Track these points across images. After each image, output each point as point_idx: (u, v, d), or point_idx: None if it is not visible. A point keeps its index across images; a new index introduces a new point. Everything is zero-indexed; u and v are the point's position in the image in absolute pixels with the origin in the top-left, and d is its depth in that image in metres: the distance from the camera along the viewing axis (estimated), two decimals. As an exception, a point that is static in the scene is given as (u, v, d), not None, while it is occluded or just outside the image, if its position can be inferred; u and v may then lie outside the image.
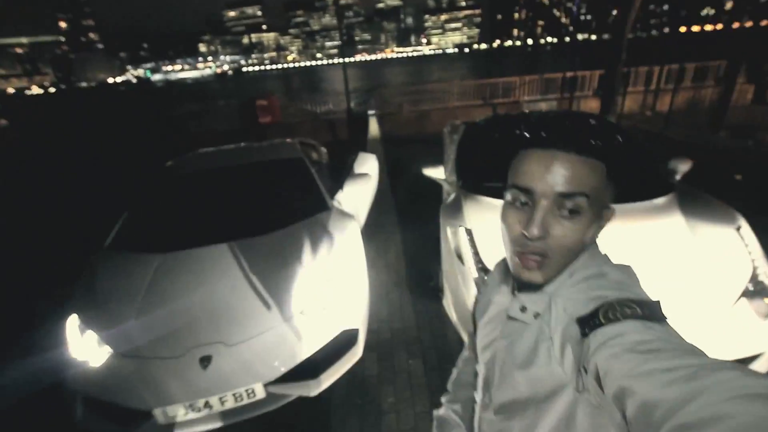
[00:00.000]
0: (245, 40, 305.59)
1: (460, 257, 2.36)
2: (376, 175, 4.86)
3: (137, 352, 1.93)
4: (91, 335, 2.01)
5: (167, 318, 2.05)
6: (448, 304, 2.59)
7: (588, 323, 0.52)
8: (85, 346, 2.00)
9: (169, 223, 2.76)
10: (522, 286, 0.66)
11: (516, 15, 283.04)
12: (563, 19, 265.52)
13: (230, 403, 1.90)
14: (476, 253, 2.28)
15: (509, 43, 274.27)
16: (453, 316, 2.49)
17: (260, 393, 1.95)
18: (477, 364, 0.80)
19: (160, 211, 2.87)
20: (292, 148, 3.51)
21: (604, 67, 6.27)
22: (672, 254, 2.08)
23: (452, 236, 2.48)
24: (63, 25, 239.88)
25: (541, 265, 0.60)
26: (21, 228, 5.41)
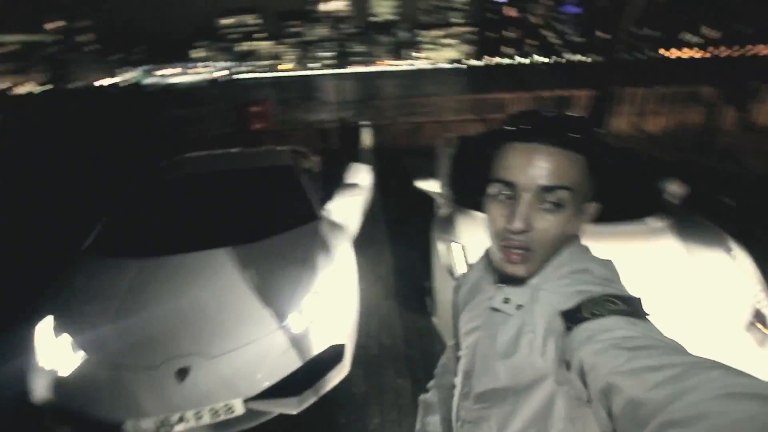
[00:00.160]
0: (240, 48, 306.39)
1: (451, 274, 2.30)
2: (368, 186, 4.82)
3: (112, 360, 1.82)
4: (66, 338, 1.90)
5: (146, 325, 1.95)
6: (438, 320, 2.52)
7: (572, 317, 0.53)
8: (58, 350, 1.88)
9: (153, 228, 2.66)
10: (506, 278, 0.66)
11: (506, 34, 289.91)
12: (553, 40, 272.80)
13: (206, 419, 1.79)
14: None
15: (499, 60, 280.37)
16: (443, 333, 2.42)
17: (239, 409, 1.84)
18: (459, 350, 0.80)
19: (142, 215, 2.77)
20: (282, 156, 3.45)
21: (595, 87, 6.38)
22: (670, 278, 2.05)
23: (445, 252, 2.42)
24: (57, 24, 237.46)
25: (525, 259, 0.61)
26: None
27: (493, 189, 0.63)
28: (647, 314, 0.52)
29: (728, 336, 1.85)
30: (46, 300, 2.12)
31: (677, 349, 0.44)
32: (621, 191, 2.73)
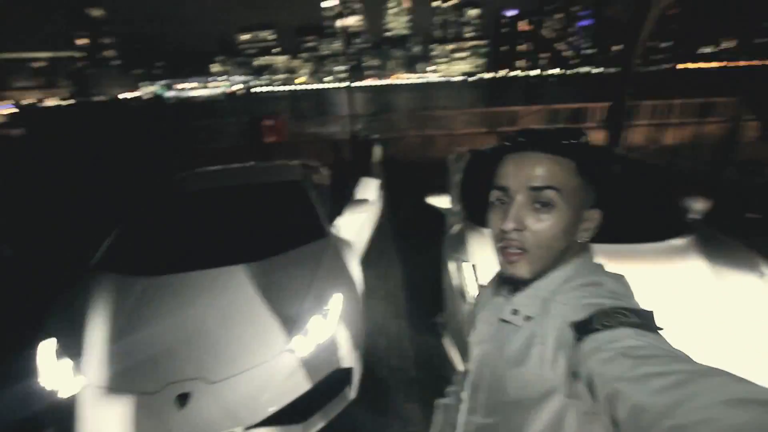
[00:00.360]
0: (257, 62, 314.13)
1: (462, 295, 2.21)
2: (377, 201, 4.77)
3: (112, 384, 1.77)
4: (67, 362, 1.86)
5: (148, 348, 1.90)
6: (449, 342, 2.42)
7: (582, 328, 0.53)
8: (59, 374, 1.84)
9: (159, 244, 2.64)
10: (514, 288, 0.70)
11: (520, 47, 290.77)
12: (566, 53, 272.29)
13: (205, 449, 1.72)
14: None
15: (513, 73, 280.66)
16: (454, 356, 2.32)
17: (240, 439, 1.77)
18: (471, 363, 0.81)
19: (150, 231, 2.76)
20: (292, 171, 3.42)
21: (611, 100, 6.26)
22: (695, 302, 1.91)
23: (455, 271, 2.34)
24: (82, 41, 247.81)
25: (522, 259, 0.63)
26: (15, 237, 5.29)
27: (492, 196, 0.68)
28: (659, 328, 0.52)
29: (760, 366, 1.72)
30: (50, 318, 2.10)
31: (683, 358, 0.44)
32: (640, 209, 2.65)
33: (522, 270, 0.64)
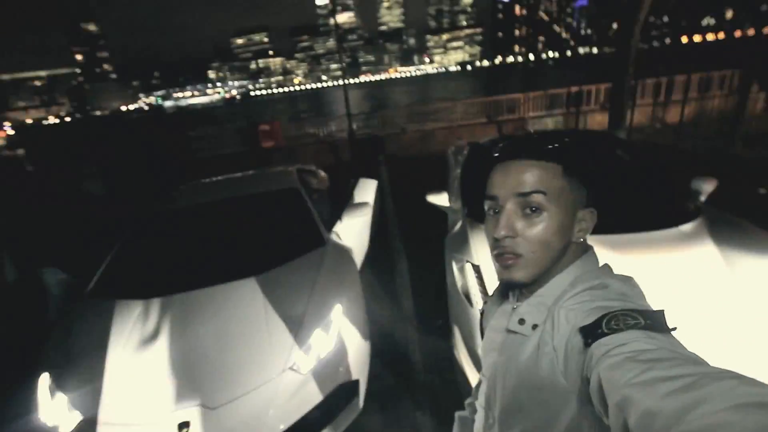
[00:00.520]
0: (252, 66, 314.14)
1: (467, 297, 2.14)
2: (375, 201, 4.70)
3: (109, 419, 1.73)
4: (62, 398, 1.82)
5: (145, 376, 1.85)
6: (456, 347, 2.35)
7: (591, 333, 0.52)
8: (55, 410, 1.80)
9: (154, 264, 2.59)
10: (519, 297, 0.71)
11: (516, 32, 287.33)
12: (564, 34, 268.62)
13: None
14: (485, 293, 2.07)
15: (511, 59, 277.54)
16: (462, 360, 2.25)
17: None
18: (481, 372, 0.80)
19: (145, 251, 2.71)
20: (288, 178, 3.35)
21: (612, 81, 6.10)
22: (706, 291, 1.82)
23: (458, 273, 2.27)
24: (79, 57, 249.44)
25: (516, 264, 0.63)
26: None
27: (485, 206, 0.69)
28: (671, 328, 0.51)
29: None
30: (47, 351, 2.07)
31: (694, 360, 0.43)
32: (645, 196, 2.55)
33: (518, 274, 0.64)
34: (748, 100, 7.31)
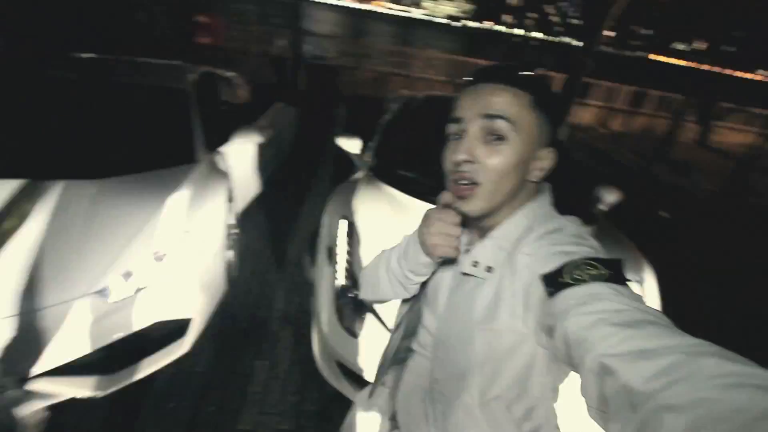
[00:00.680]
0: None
1: (330, 253, 1.94)
2: (291, 133, 4.27)
3: None
4: None
5: None
6: (317, 305, 2.12)
7: (553, 282, 0.52)
8: None
9: None
10: (471, 241, 0.70)
11: (510, 1, 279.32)
12: (553, 18, 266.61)
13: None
14: (350, 254, 1.87)
15: (499, 28, 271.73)
16: (315, 344, 1.94)
17: (10, 389, 1.44)
18: (422, 321, 0.77)
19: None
20: (181, 77, 2.80)
21: (568, 72, 6.00)
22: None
23: (330, 227, 2.04)
24: None
25: (474, 193, 0.61)
26: None
27: (447, 131, 0.65)
28: (627, 279, 0.51)
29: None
30: None
31: (667, 325, 0.43)
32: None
33: (473, 206, 0.62)
34: (682, 127, 7.72)
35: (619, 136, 8.91)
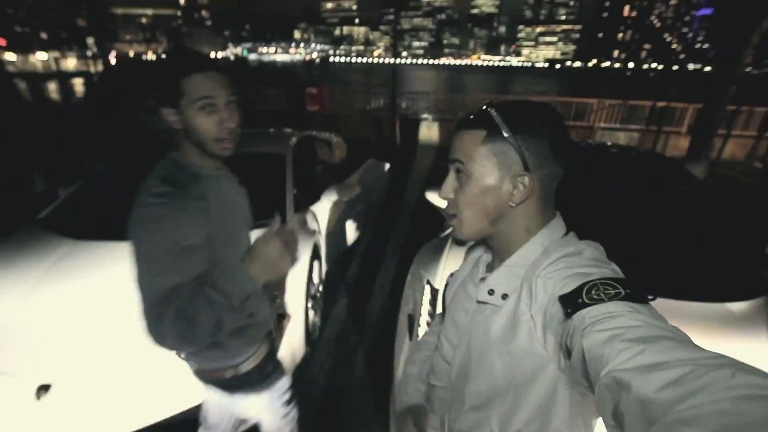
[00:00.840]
0: (337, 32, 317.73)
1: (411, 323, 1.72)
2: (381, 189, 4.27)
3: None
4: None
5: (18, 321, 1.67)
6: (392, 402, 1.87)
7: (571, 302, 0.52)
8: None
9: (84, 204, 2.42)
10: (487, 269, 0.73)
11: (620, 35, 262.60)
12: (674, 45, 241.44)
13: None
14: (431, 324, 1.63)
15: (607, 63, 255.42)
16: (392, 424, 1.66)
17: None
18: (441, 352, 0.79)
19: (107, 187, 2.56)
20: (282, 143, 3.04)
21: (704, 100, 5.07)
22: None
23: (411, 293, 1.84)
24: (182, 1, 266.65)
25: (454, 224, 0.68)
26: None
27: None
28: (650, 297, 0.51)
29: None
30: None
31: (683, 340, 0.43)
32: (685, 252, 1.92)
33: (456, 231, 0.68)
34: None
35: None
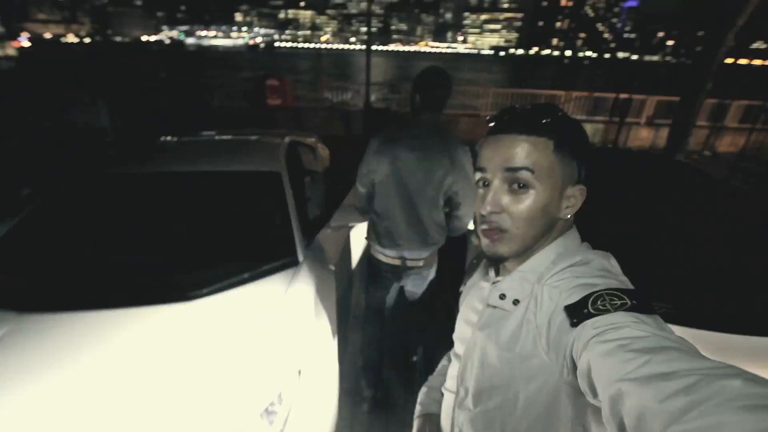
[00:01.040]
0: (281, 15, 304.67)
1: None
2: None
3: None
4: None
5: None
6: None
7: (576, 313, 0.52)
8: None
9: (48, 259, 1.82)
10: (499, 272, 0.71)
11: (558, 24, 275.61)
12: (606, 35, 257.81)
13: None
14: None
15: (547, 51, 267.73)
16: None
17: None
18: (453, 353, 0.82)
19: (51, 237, 1.94)
20: (274, 155, 2.54)
21: (682, 94, 5.16)
22: None
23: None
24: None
25: (502, 239, 0.64)
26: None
27: (476, 177, 0.68)
28: (656, 308, 0.50)
29: None
30: None
31: (689, 351, 0.42)
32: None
33: (503, 249, 0.64)
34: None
35: (727, 158, 7.61)
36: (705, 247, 1.82)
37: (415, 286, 2.03)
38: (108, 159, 2.43)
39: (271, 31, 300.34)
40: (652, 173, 2.67)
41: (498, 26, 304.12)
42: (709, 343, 1.38)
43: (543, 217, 0.62)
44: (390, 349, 2.32)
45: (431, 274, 2.03)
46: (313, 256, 1.96)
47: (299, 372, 1.43)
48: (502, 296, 0.65)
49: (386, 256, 1.94)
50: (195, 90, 9.24)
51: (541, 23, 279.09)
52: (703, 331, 1.42)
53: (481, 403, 0.67)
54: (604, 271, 0.58)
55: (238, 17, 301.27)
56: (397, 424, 2.05)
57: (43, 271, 1.74)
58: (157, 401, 1.22)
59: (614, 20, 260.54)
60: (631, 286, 0.55)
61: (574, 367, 0.50)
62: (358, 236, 2.80)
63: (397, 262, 1.93)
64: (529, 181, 0.60)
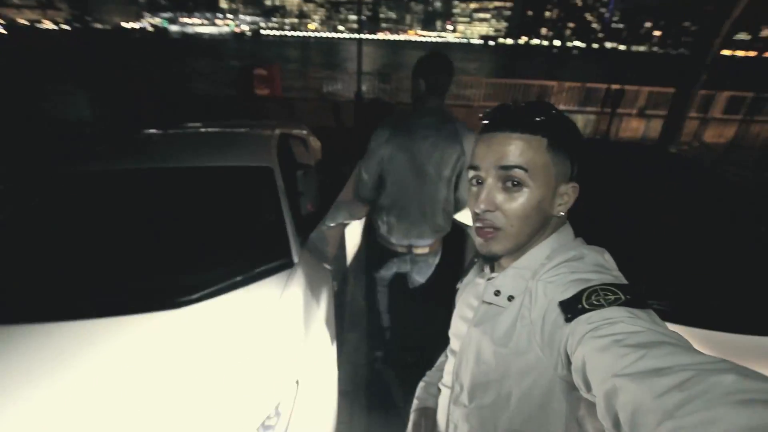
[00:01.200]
0: (268, 2, 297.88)
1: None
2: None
3: None
4: None
5: None
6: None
7: (571, 308, 0.52)
8: None
9: (23, 266, 1.67)
10: (494, 269, 0.71)
11: (547, 13, 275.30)
12: (594, 25, 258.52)
13: None
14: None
15: (536, 41, 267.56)
16: None
17: None
18: (449, 349, 0.82)
19: (13, 241, 1.80)
20: (265, 149, 2.42)
21: (677, 86, 5.15)
22: None
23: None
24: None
25: (496, 237, 0.64)
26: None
27: (469, 175, 0.67)
28: (650, 303, 0.50)
29: None
30: None
31: (683, 345, 0.42)
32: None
33: (497, 247, 0.64)
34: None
35: (715, 150, 7.68)
36: (710, 245, 1.79)
37: (419, 273, 2.03)
38: (87, 154, 2.28)
39: (257, 18, 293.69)
40: (651, 165, 2.64)
41: (487, 15, 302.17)
42: (710, 342, 1.36)
43: (537, 215, 0.62)
44: (389, 344, 2.28)
45: (436, 260, 2.05)
46: (308, 256, 1.87)
47: (297, 382, 1.35)
48: (497, 292, 0.66)
49: (393, 243, 1.94)
50: (178, 79, 8.94)
51: (530, 13, 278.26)
52: (704, 330, 1.40)
53: (476, 398, 0.68)
54: (598, 266, 0.58)
55: (223, 3, 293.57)
56: (397, 424, 2.00)
57: (14, 279, 1.61)
58: (145, 419, 1.13)
59: (602, 10, 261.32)
60: (625, 281, 0.55)
61: (569, 362, 0.51)
62: (353, 231, 2.72)
63: (404, 249, 1.94)
64: (522, 179, 0.60)
